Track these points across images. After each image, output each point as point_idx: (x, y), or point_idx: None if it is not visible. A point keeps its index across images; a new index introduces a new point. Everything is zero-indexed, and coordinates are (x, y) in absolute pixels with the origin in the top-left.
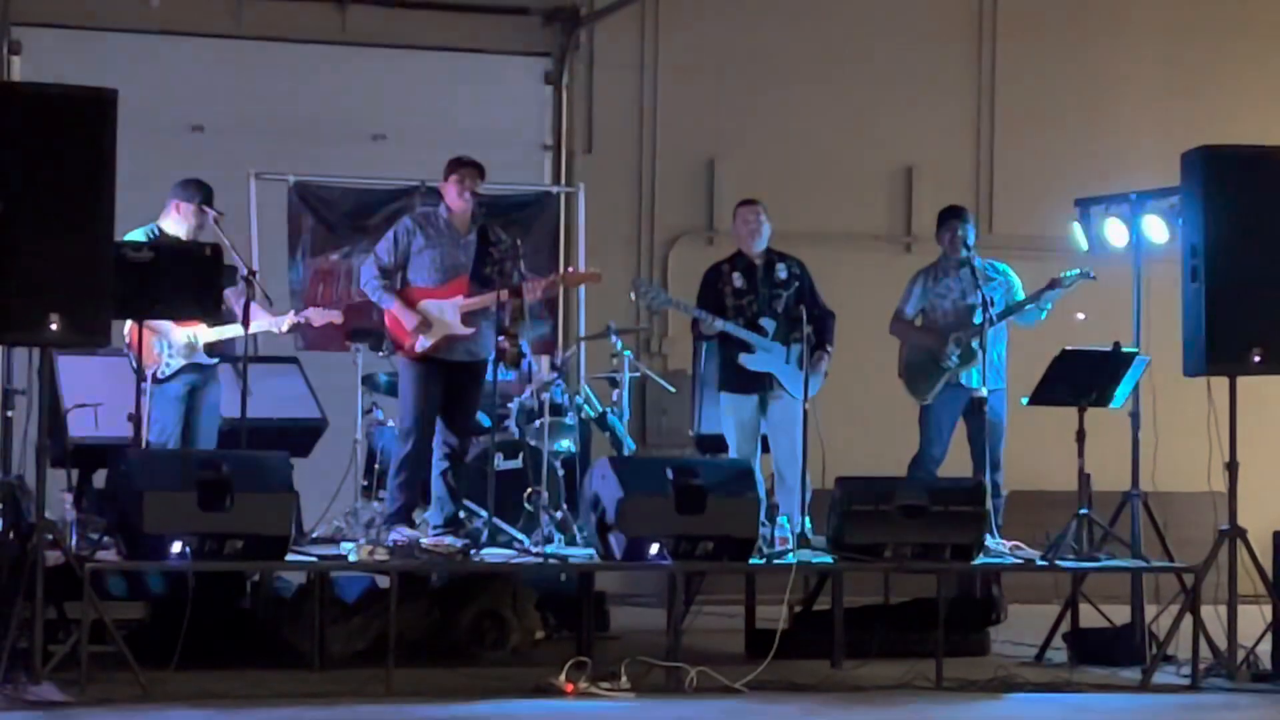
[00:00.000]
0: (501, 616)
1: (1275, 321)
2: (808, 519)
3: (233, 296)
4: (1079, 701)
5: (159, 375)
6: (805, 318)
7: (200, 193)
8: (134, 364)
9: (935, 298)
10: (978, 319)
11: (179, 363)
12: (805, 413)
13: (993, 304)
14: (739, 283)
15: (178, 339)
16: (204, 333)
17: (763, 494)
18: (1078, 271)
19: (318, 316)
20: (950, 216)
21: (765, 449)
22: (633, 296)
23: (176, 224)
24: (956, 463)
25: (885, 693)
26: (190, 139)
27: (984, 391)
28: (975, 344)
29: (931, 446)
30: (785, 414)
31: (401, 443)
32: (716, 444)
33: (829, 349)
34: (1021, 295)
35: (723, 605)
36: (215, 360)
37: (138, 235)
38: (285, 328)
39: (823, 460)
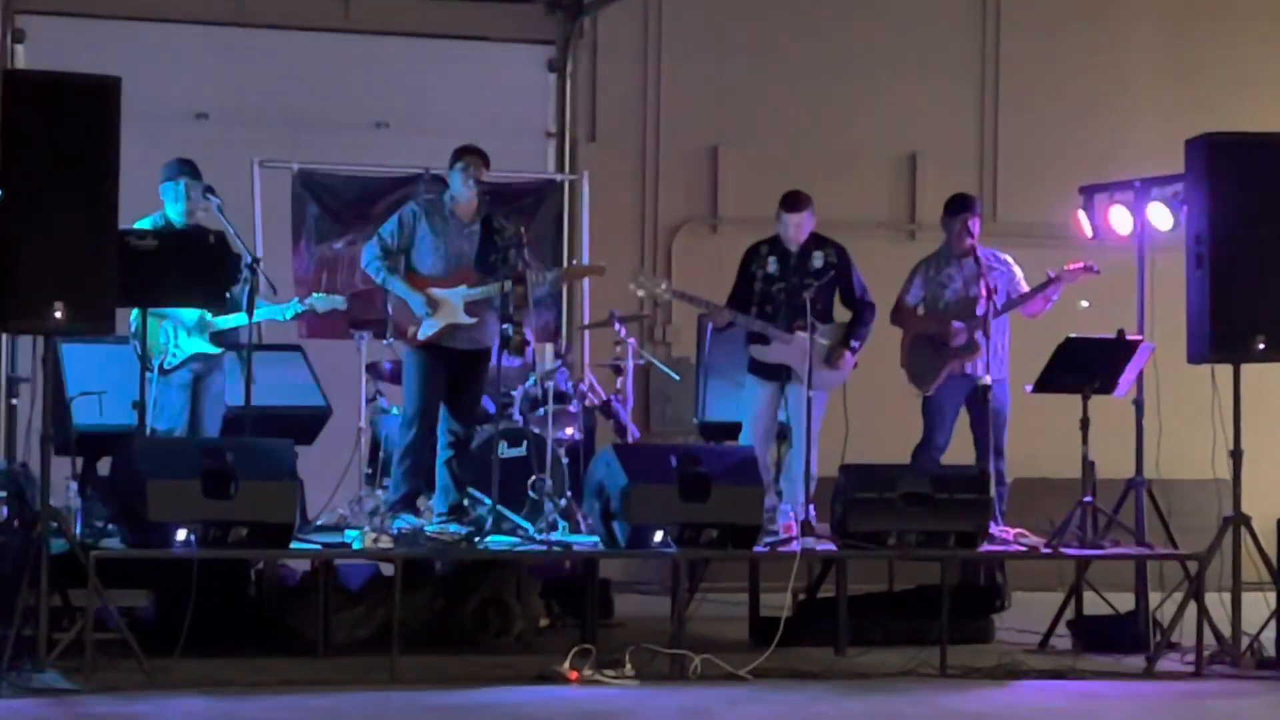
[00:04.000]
0: (506, 604)
1: (1279, 309)
2: (812, 506)
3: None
4: (1083, 689)
5: (165, 365)
6: (809, 307)
7: (183, 171)
8: (139, 352)
9: (937, 288)
10: (981, 310)
11: (187, 351)
12: (809, 402)
13: (995, 293)
14: (772, 267)
15: (188, 317)
16: (215, 318)
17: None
18: (1081, 266)
19: (322, 304)
20: (961, 208)
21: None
22: (639, 292)
23: (171, 207)
24: (959, 451)
25: (889, 680)
26: (194, 126)
27: (989, 379)
28: (979, 334)
29: (935, 435)
30: (801, 404)
31: (405, 430)
32: (721, 431)
33: (854, 344)
34: (1023, 284)
35: (727, 593)
36: (220, 350)
37: (145, 224)
38: (289, 316)
39: (844, 448)
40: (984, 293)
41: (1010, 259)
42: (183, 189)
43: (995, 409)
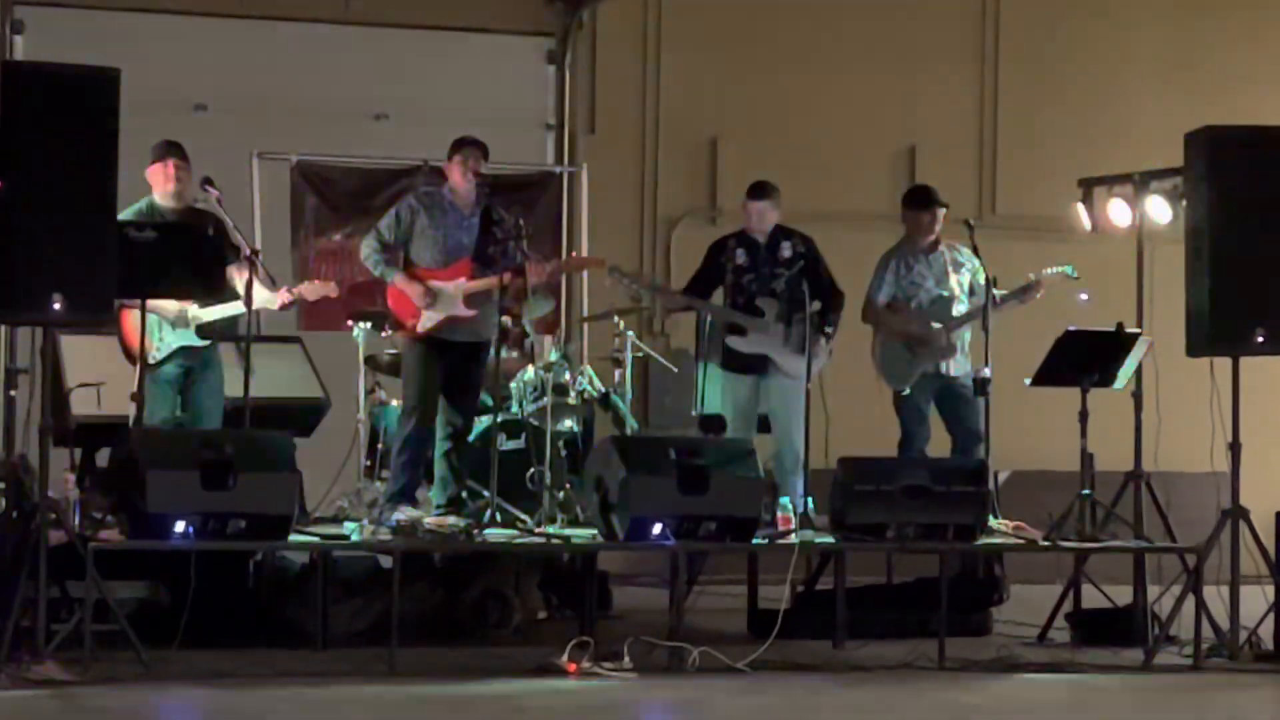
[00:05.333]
0: (504, 596)
1: (1278, 302)
2: (810, 499)
3: (234, 271)
4: (1081, 681)
5: (151, 360)
6: (809, 298)
7: (170, 151)
8: (122, 345)
9: (909, 286)
10: (954, 311)
11: (172, 345)
12: (807, 393)
13: (965, 290)
14: (741, 259)
15: (168, 311)
16: (200, 310)
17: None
18: (1060, 270)
19: (311, 291)
20: (926, 201)
21: (765, 429)
22: (622, 284)
23: (160, 189)
24: (936, 445)
25: (887, 673)
26: (193, 118)
27: (987, 372)
28: (954, 334)
29: (918, 429)
30: (784, 395)
31: (404, 422)
32: (719, 424)
33: (828, 330)
34: (984, 279)
35: (725, 585)
36: (207, 342)
37: (129, 213)
38: (278, 305)
39: (825, 438)
40: (956, 291)
41: (972, 254)
42: (171, 170)
43: (974, 400)
